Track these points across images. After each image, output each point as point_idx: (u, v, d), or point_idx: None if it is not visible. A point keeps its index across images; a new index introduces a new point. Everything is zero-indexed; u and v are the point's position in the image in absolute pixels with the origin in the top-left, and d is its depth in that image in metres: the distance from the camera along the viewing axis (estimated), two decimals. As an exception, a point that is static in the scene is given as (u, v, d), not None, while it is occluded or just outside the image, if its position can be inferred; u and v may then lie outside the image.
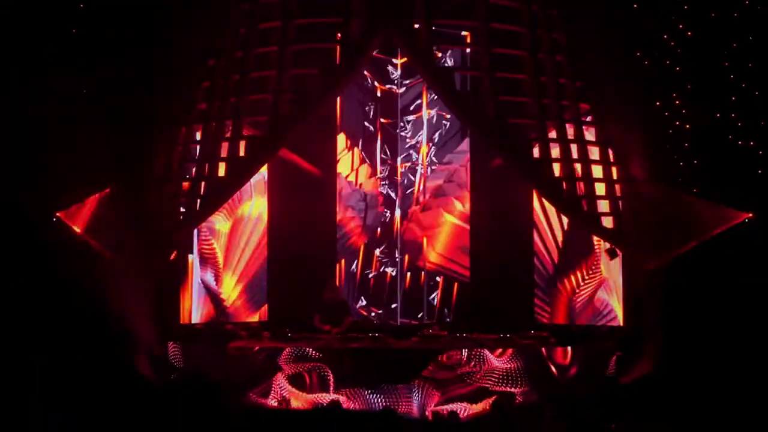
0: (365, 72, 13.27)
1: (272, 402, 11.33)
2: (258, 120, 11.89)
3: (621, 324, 12.34)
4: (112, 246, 11.61)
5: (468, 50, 12.98)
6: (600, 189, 11.88)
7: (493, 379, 11.38)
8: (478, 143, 13.20)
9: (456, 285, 13.43)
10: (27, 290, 12.04)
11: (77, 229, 11.60)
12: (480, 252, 13.25)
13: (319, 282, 12.69)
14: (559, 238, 12.87)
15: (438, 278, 13.52)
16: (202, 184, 11.84)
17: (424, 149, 13.56)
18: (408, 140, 13.67)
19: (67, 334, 11.76)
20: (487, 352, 11.42)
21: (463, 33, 12.80)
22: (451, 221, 13.50)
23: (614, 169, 12.07)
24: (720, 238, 11.78)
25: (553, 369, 11.57)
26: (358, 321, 13.03)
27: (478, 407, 11.20)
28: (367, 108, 13.61)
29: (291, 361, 11.40)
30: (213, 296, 12.90)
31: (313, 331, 12.17)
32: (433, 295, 13.52)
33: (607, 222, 11.87)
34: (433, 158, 13.64)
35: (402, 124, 13.62)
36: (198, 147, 12.04)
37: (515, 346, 11.63)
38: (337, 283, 13.10)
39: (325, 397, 11.23)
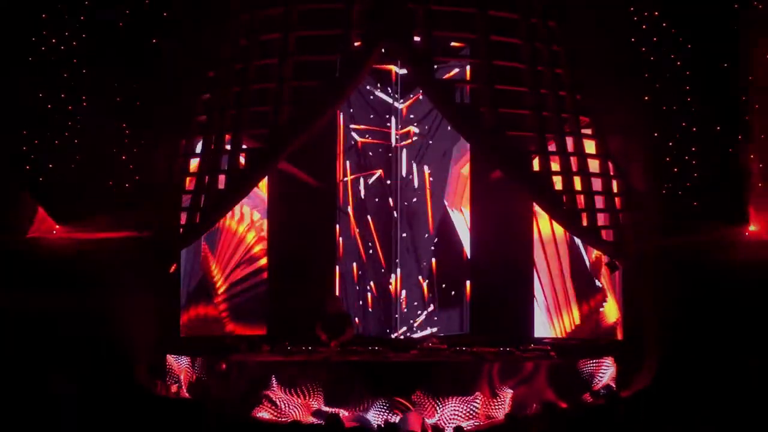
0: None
1: (271, 416, 11.30)
2: (258, 132, 11.90)
3: (620, 337, 12.34)
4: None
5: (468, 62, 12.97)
6: (600, 202, 11.88)
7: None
8: (478, 155, 13.18)
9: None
10: (29, 301, 12.06)
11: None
12: (480, 264, 13.22)
13: (320, 294, 12.69)
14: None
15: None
16: (202, 196, 11.83)
17: None
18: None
19: (69, 345, 11.77)
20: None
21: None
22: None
23: (614, 182, 12.06)
24: (719, 249, 11.79)
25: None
26: (360, 333, 13.01)
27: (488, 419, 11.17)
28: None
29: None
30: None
31: (313, 343, 12.15)
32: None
33: (607, 235, 11.86)
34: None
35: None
36: (198, 159, 12.04)
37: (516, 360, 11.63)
38: (338, 294, 13.09)
39: (324, 411, 11.19)
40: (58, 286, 11.89)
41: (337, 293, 13.24)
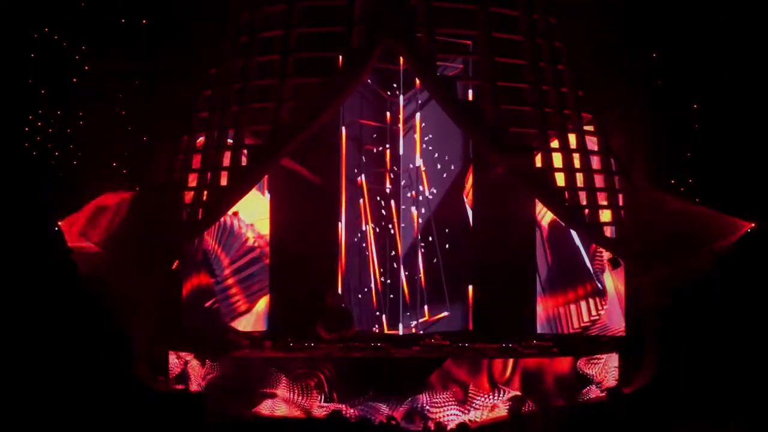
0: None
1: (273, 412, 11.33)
2: (260, 129, 11.90)
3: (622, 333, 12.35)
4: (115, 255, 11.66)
5: (470, 59, 12.96)
6: (602, 198, 11.87)
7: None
8: (480, 152, 13.19)
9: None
10: (30, 291, 12.08)
11: (73, 239, 11.62)
12: (481, 261, 13.23)
13: (322, 290, 12.72)
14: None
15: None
16: (204, 192, 11.84)
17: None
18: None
19: (70, 337, 11.81)
20: None
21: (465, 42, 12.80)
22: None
23: (616, 179, 12.05)
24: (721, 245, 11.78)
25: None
26: (361, 330, 13.02)
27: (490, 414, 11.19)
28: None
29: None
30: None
31: (315, 339, 12.18)
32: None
33: (610, 231, 11.86)
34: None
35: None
36: (200, 156, 12.04)
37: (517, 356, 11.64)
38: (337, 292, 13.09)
39: (326, 407, 11.22)
40: (58, 283, 11.93)
41: (338, 289, 13.25)
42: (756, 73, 12.22)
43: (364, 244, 13.48)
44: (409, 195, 13.35)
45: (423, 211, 13.44)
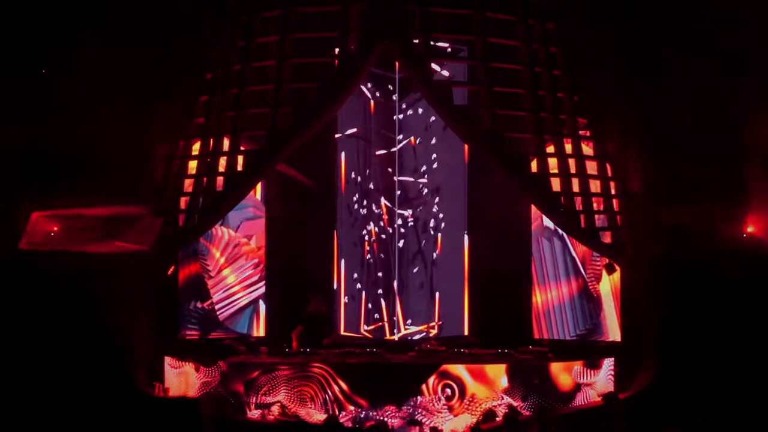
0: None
1: (270, 417, 11.31)
2: (256, 134, 11.89)
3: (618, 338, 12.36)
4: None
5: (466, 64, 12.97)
6: (598, 204, 11.88)
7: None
8: (476, 156, 13.18)
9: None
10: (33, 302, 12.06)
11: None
12: (478, 266, 13.22)
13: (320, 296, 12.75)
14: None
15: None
16: (200, 198, 11.82)
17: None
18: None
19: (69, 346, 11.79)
20: None
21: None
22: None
23: (612, 184, 12.06)
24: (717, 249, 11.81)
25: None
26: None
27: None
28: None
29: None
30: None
31: (312, 345, 12.19)
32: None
33: (605, 237, 11.87)
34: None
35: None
36: (196, 161, 12.03)
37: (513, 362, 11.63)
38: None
39: (322, 412, 11.21)
40: (58, 291, 11.91)
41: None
42: (756, 78, 12.22)
43: (365, 249, 13.48)
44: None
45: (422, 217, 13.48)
